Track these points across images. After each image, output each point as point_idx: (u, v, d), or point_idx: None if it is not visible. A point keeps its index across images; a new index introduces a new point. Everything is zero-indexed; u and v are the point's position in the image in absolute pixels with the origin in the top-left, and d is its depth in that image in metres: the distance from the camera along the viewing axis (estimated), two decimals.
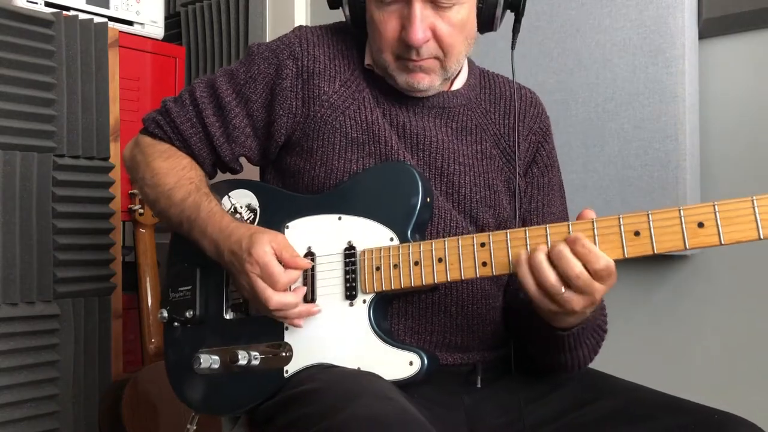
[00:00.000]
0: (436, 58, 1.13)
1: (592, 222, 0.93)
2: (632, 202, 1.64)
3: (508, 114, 1.26)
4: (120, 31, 2.11)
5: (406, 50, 1.11)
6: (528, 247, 0.96)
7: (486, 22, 1.17)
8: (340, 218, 1.12)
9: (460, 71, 1.22)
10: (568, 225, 0.94)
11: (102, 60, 1.99)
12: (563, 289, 0.92)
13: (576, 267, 0.91)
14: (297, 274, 1.07)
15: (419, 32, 1.08)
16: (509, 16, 1.21)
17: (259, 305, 1.08)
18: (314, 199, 1.16)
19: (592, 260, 0.90)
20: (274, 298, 1.04)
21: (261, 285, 1.04)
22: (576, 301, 0.93)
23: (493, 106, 1.26)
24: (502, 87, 1.29)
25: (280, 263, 1.06)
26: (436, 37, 1.10)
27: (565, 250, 0.91)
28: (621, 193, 1.67)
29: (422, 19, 1.08)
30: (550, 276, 0.92)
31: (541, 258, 0.92)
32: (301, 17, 2.39)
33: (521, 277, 0.95)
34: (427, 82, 1.14)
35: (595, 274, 0.91)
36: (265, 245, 1.05)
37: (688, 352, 1.67)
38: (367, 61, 1.22)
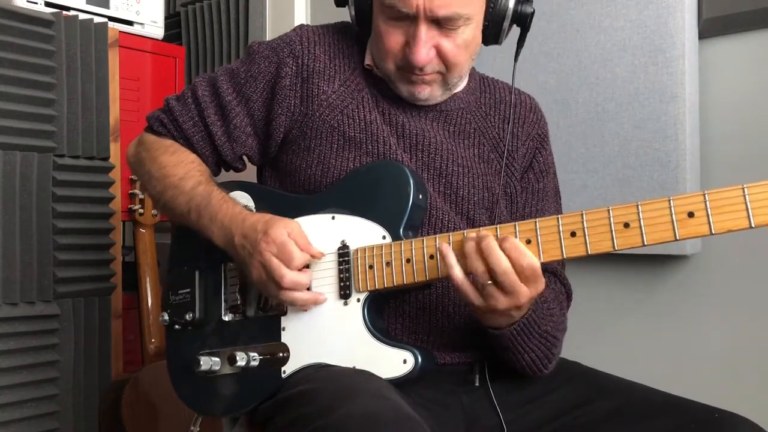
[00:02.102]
0: (439, 72, 1.13)
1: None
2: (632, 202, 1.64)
3: (506, 119, 1.26)
4: (120, 31, 2.10)
5: (408, 65, 1.11)
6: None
7: (491, 37, 1.17)
8: (333, 217, 1.11)
9: None
10: (558, 218, 0.94)
11: (102, 60, 1.99)
12: (489, 281, 0.94)
13: (503, 262, 0.93)
14: (309, 258, 1.08)
15: (422, 54, 1.09)
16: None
17: (270, 286, 1.06)
18: (308, 199, 1.16)
19: (519, 256, 0.93)
20: (289, 276, 1.04)
21: (276, 262, 1.04)
22: (500, 299, 0.95)
23: (492, 111, 1.26)
24: (502, 92, 1.29)
25: None
26: (441, 54, 1.11)
27: (493, 244, 0.93)
28: (621, 193, 1.66)
29: (427, 39, 1.08)
30: (480, 265, 0.94)
31: (472, 246, 0.95)
32: (301, 17, 2.38)
33: (449, 267, 0.97)
34: (428, 92, 1.16)
35: (521, 273, 0.93)
36: (282, 228, 1.05)
37: (688, 352, 1.67)
38: (367, 61, 1.21)
